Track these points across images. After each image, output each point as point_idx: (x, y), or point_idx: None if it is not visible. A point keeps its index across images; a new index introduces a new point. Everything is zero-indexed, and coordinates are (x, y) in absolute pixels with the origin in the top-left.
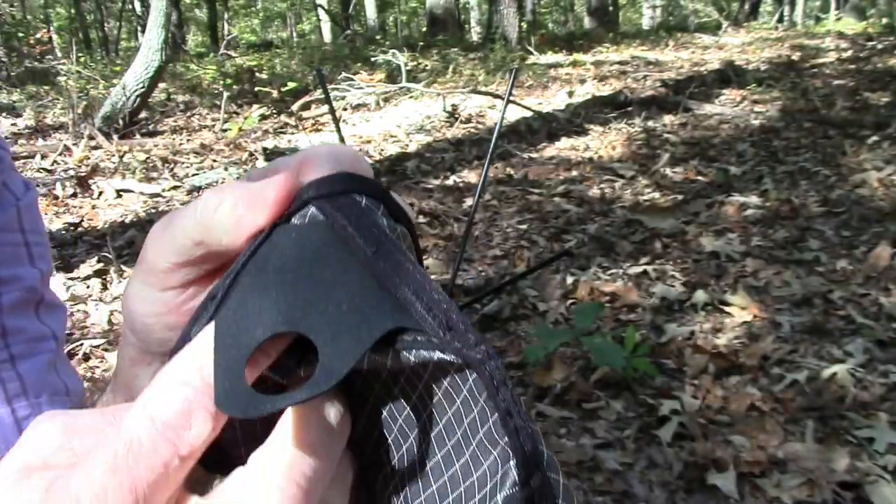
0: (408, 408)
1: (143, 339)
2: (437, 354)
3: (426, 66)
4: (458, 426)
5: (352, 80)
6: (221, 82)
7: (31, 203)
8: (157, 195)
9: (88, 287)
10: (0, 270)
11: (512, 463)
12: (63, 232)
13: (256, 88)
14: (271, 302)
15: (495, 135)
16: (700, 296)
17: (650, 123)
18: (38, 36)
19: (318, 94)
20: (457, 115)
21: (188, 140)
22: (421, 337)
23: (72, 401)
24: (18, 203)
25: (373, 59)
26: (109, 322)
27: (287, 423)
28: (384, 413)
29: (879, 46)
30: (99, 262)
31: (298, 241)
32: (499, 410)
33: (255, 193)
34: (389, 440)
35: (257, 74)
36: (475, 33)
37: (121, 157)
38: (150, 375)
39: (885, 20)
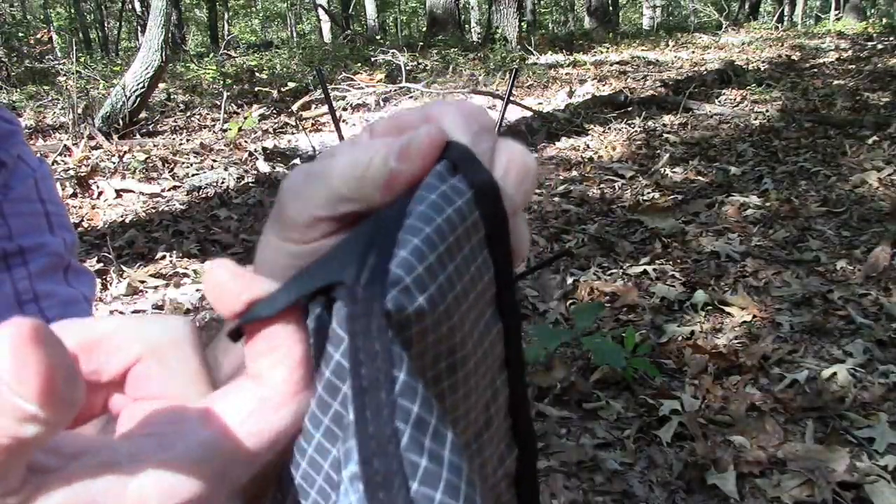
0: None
1: None
2: (345, 312)
3: (426, 66)
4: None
5: (352, 80)
6: (221, 82)
7: (46, 174)
8: (157, 195)
9: None
10: (24, 239)
11: (353, 442)
12: None
13: (256, 88)
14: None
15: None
16: (700, 296)
17: (650, 123)
18: (38, 36)
19: (318, 94)
20: None
21: (188, 140)
22: (344, 291)
23: None
24: (35, 174)
25: (373, 59)
26: None
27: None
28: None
29: (879, 46)
30: (99, 262)
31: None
32: (352, 385)
33: (406, 145)
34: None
35: (257, 74)
36: (475, 33)
37: (121, 157)
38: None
39: (885, 20)
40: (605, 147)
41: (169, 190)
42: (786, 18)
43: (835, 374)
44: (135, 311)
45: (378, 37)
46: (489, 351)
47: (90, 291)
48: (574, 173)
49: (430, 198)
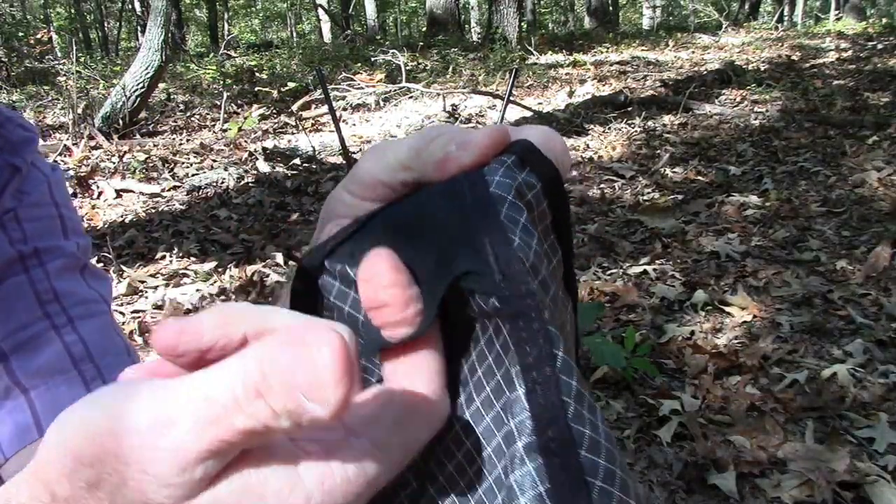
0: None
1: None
2: (491, 301)
3: (426, 66)
4: (493, 371)
5: (352, 80)
6: (221, 82)
7: (59, 180)
8: (157, 195)
9: None
10: (40, 242)
11: (526, 414)
12: None
13: (256, 88)
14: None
15: None
16: (700, 296)
17: (650, 123)
18: (38, 36)
19: (318, 94)
20: (457, 116)
21: (188, 140)
22: (483, 280)
23: (132, 360)
24: (49, 179)
25: (373, 59)
26: None
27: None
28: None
29: (879, 46)
30: (99, 262)
31: (448, 198)
32: (520, 362)
33: (469, 137)
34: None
35: (257, 74)
36: (475, 33)
37: (121, 157)
38: None
39: (885, 20)
40: (605, 147)
41: (169, 190)
42: (786, 18)
43: (835, 374)
44: (135, 312)
45: (378, 37)
46: (566, 325)
47: (108, 293)
48: (574, 173)
49: (513, 187)
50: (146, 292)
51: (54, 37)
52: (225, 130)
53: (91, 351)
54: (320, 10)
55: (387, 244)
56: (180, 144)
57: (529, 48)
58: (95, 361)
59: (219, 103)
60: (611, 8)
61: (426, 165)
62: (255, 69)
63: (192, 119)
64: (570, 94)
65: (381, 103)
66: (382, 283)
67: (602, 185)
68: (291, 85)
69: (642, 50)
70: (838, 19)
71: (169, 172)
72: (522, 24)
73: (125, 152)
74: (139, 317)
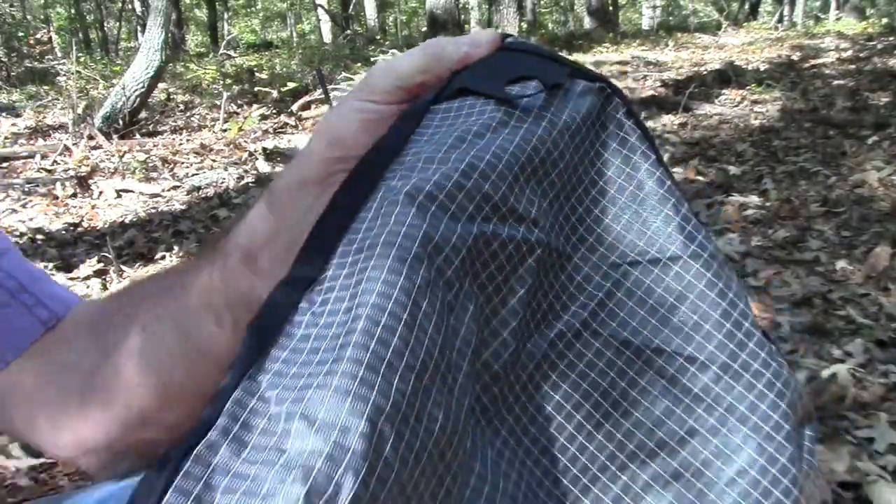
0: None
1: (341, 145)
2: (597, 82)
3: None
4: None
5: (352, 80)
6: (221, 82)
7: None
8: (157, 195)
9: (88, 287)
10: None
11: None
12: (63, 232)
13: (256, 88)
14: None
15: None
16: None
17: (650, 123)
18: (38, 36)
19: (318, 94)
20: None
21: (188, 140)
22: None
23: (54, 284)
24: None
25: (373, 59)
26: None
27: None
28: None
29: (879, 46)
30: (99, 262)
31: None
32: (641, 128)
33: (477, 37)
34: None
35: (257, 74)
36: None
37: (121, 157)
38: (314, 199)
39: (885, 20)
40: None
41: (169, 190)
42: (786, 18)
43: (835, 374)
44: None
45: (378, 37)
46: None
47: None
48: None
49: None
50: None
51: (54, 37)
52: (225, 130)
53: (22, 282)
54: (320, 10)
55: (494, 68)
56: (180, 144)
57: None
58: (30, 290)
59: (219, 103)
60: (611, 8)
61: (448, 64)
62: (255, 69)
63: (192, 119)
64: None
65: None
66: None
67: None
68: (291, 85)
69: (642, 50)
70: (838, 19)
71: (169, 172)
72: (522, 24)
73: (125, 152)
74: None
